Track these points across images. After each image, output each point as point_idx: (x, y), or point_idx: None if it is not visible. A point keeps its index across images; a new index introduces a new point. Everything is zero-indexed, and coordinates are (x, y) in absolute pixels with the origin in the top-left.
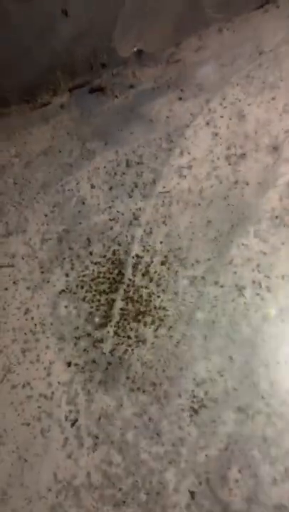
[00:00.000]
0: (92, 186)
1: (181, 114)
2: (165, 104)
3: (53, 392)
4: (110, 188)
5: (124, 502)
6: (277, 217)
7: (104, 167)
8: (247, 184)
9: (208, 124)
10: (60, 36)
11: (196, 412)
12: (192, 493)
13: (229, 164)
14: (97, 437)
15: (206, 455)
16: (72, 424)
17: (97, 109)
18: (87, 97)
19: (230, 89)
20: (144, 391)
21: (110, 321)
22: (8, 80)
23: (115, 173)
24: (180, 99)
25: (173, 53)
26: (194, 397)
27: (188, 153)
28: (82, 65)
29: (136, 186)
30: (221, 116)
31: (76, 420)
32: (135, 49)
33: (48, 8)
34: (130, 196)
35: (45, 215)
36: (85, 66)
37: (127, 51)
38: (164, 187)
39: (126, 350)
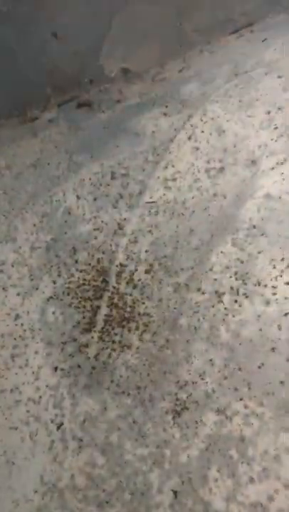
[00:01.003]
0: (78, 197)
1: (165, 128)
2: (151, 119)
3: (40, 396)
4: (95, 199)
5: (107, 502)
6: (254, 226)
7: (90, 179)
8: (225, 197)
9: (190, 138)
10: (50, 56)
11: (178, 414)
12: (175, 493)
13: (209, 177)
14: (81, 440)
15: (188, 456)
16: (58, 428)
17: (84, 123)
18: (74, 111)
19: (210, 105)
20: (128, 394)
21: (95, 326)
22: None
23: (100, 185)
24: (165, 114)
25: (158, 72)
26: (177, 399)
27: (173, 166)
28: (70, 82)
29: (121, 197)
30: (202, 132)
31: (62, 424)
32: (121, 67)
33: (40, 32)
34: (115, 207)
35: (34, 225)
36: (73, 82)
37: (113, 70)
38: (150, 197)
39: (110, 355)
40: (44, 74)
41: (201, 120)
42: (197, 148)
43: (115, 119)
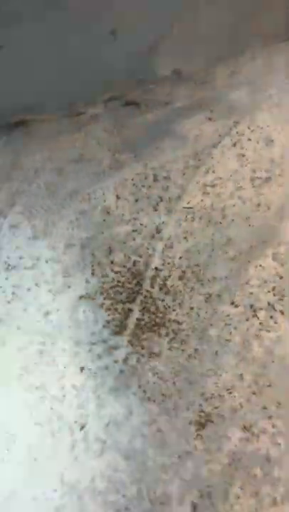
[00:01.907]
0: (118, 197)
1: (209, 133)
2: (195, 123)
3: (64, 395)
4: (136, 200)
5: (126, 509)
6: None
7: (132, 179)
8: (269, 208)
9: (235, 145)
10: (105, 53)
11: (202, 426)
12: (195, 506)
13: (253, 186)
14: (104, 442)
15: (209, 469)
16: (81, 428)
17: (129, 122)
18: (120, 109)
19: (259, 114)
20: (154, 401)
21: (126, 329)
22: (47, 89)
23: (142, 186)
24: (210, 119)
25: (207, 75)
26: (202, 411)
27: (214, 171)
28: (120, 80)
29: (161, 200)
30: (249, 140)
31: (85, 424)
32: (173, 69)
33: (98, 28)
34: (155, 210)
35: (71, 222)
36: (123, 81)
37: (165, 70)
38: (188, 202)
39: (139, 360)
40: (96, 71)
41: (249, 128)
42: (243, 155)
43: (161, 120)
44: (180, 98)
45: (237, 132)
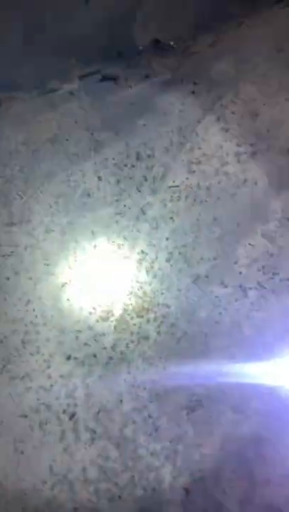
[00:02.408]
0: (99, 178)
1: (193, 108)
2: (178, 98)
3: (51, 385)
4: (118, 181)
5: (119, 497)
6: (287, 218)
7: (113, 159)
8: (255, 183)
9: (219, 119)
10: (78, 23)
11: (193, 410)
12: (187, 491)
13: (239, 162)
14: (94, 431)
15: (201, 453)
16: (70, 418)
17: (108, 99)
18: (98, 85)
19: (244, 86)
20: (144, 388)
21: (113, 315)
22: (18, 64)
23: (124, 166)
24: (193, 93)
25: (189, 46)
26: (193, 395)
27: (199, 148)
28: (96, 52)
29: (145, 180)
30: (233, 113)
31: (74, 414)
32: (152, 39)
33: None
34: (139, 190)
35: (50, 206)
36: (99, 53)
37: (144, 40)
38: (173, 181)
39: (127, 346)
40: (68, 42)
41: (233, 101)
42: (227, 130)
43: (141, 96)
44: (161, 71)
45: (221, 105)
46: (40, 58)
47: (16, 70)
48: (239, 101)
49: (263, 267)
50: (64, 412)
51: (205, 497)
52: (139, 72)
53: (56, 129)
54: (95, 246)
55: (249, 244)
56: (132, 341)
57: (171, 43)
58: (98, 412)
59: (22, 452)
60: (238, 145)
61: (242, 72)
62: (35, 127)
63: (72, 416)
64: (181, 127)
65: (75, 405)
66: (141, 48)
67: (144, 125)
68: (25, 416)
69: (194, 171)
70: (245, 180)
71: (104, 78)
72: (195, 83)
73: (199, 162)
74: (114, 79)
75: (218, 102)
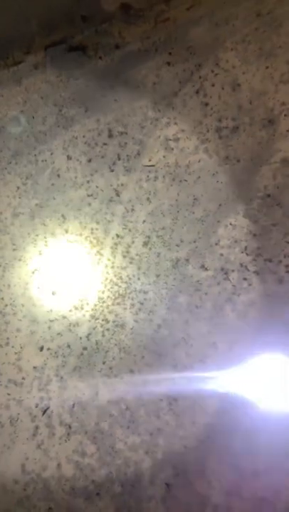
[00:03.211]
0: (69, 157)
1: (169, 80)
2: (152, 69)
3: (23, 378)
4: (89, 160)
5: (97, 494)
6: (269, 195)
7: (84, 136)
8: (238, 160)
9: (197, 92)
10: None
11: (175, 400)
12: (168, 485)
13: (220, 138)
14: (69, 426)
15: (184, 446)
16: (44, 413)
17: (77, 71)
18: (65, 56)
19: (223, 53)
20: (121, 378)
21: (87, 303)
22: None
23: (96, 144)
24: (168, 63)
25: (163, 11)
26: (174, 384)
27: (176, 123)
28: (60, 18)
29: (118, 159)
30: (213, 85)
31: (48, 408)
32: (121, 3)
33: None
34: (112, 170)
35: (17, 188)
36: (64, 19)
37: (112, 4)
38: (149, 160)
39: (103, 335)
40: (29, 6)
41: (212, 71)
42: (206, 104)
43: (113, 67)
44: (133, 40)
45: (200, 77)
46: (2, 28)
47: None
48: (219, 70)
49: (246, 247)
50: (36, 406)
51: (189, 491)
52: (109, 41)
53: (22, 106)
54: (66, 230)
55: (230, 224)
56: (108, 330)
57: (142, 8)
58: (73, 406)
59: None
60: (219, 120)
61: (220, 39)
62: None
63: (45, 410)
64: (156, 101)
65: (49, 399)
66: (110, 12)
67: (115, 100)
68: None
69: (172, 149)
70: (227, 158)
71: (72, 48)
72: (170, 53)
73: (177, 139)
74: (82, 49)
75: (196, 73)
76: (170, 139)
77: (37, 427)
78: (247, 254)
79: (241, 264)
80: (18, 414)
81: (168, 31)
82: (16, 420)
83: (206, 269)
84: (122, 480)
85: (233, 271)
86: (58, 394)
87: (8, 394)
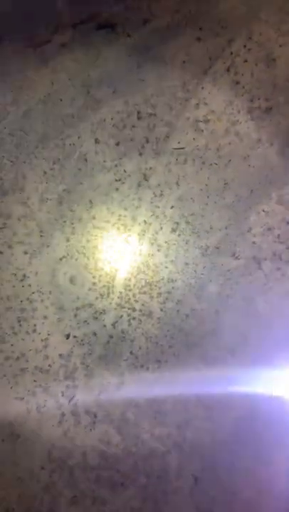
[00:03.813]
0: (97, 141)
1: (198, 58)
2: (182, 46)
3: (50, 365)
4: (117, 144)
5: (122, 484)
6: None
7: (112, 119)
8: (271, 144)
9: (228, 70)
10: None
11: (203, 393)
12: (196, 479)
13: (252, 119)
14: (95, 415)
15: (212, 439)
16: (70, 400)
17: (105, 50)
18: (94, 34)
19: (257, 26)
20: (148, 368)
21: (114, 291)
22: (1, 14)
23: (124, 126)
24: (198, 39)
25: None
26: (203, 377)
27: (206, 104)
28: None
29: (147, 142)
30: (245, 61)
31: (74, 396)
32: None
33: None
34: (140, 153)
35: (44, 173)
36: None
37: None
38: (178, 142)
39: (130, 323)
40: None
41: (245, 46)
42: (238, 83)
43: (141, 45)
44: (161, 14)
45: (231, 53)
46: (28, 8)
47: (1, 22)
48: (252, 44)
49: (279, 236)
50: (63, 394)
51: (217, 485)
52: (137, 17)
53: (49, 87)
54: (93, 216)
55: (263, 211)
56: (134, 319)
57: None
58: (99, 395)
59: (18, 436)
60: (251, 100)
61: (254, 9)
62: (26, 86)
63: (71, 398)
64: (186, 81)
65: (75, 387)
66: None
67: (143, 80)
68: (22, 398)
69: (202, 131)
70: (259, 140)
71: (100, 26)
72: (200, 28)
73: (207, 120)
74: (111, 26)
75: (227, 49)
76: (200, 121)
77: (63, 414)
78: (280, 242)
79: (274, 253)
80: (45, 400)
81: (198, 3)
82: (43, 407)
83: (237, 258)
84: (147, 471)
85: (265, 260)
86: (84, 382)
87: (35, 381)
